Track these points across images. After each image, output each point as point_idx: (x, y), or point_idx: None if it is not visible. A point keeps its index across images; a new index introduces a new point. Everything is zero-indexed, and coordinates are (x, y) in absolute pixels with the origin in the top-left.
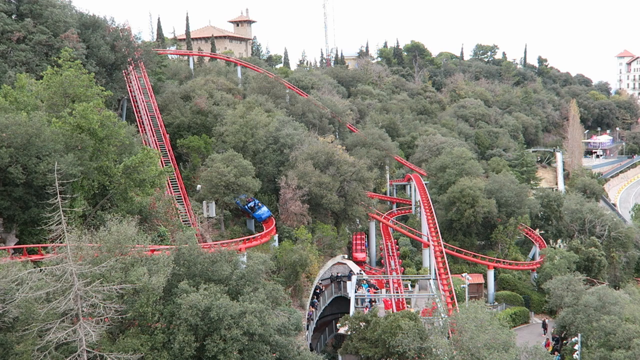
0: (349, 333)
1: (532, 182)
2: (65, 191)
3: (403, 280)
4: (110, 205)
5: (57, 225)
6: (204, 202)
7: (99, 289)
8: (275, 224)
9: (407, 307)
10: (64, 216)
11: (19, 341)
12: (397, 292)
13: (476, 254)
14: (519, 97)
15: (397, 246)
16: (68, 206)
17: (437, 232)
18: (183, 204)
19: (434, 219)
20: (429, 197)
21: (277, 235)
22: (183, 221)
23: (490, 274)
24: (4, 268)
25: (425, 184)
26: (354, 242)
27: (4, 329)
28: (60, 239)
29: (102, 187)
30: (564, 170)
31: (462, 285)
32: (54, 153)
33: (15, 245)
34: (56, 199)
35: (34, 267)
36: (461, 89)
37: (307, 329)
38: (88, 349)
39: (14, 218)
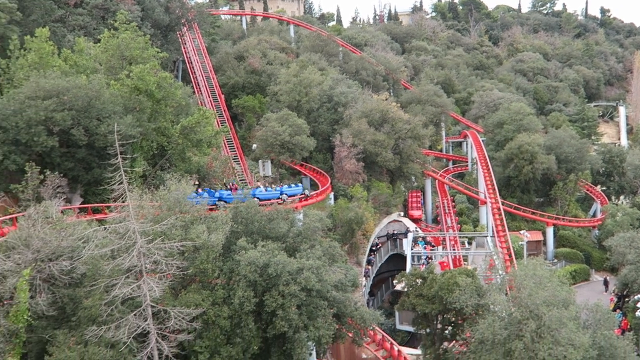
0: (405, 290)
1: (593, 137)
2: (125, 152)
3: (460, 237)
4: (169, 165)
5: (118, 185)
6: (260, 161)
7: (160, 246)
8: (331, 182)
9: (464, 264)
10: (125, 176)
11: (87, 296)
12: (454, 250)
13: (535, 210)
14: (579, 50)
15: (453, 204)
16: (129, 166)
17: (495, 189)
18: (239, 163)
19: (491, 176)
20: (486, 154)
21: (332, 193)
22: (240, 180)
23: (550, 231)
24: (71, 226)
25: (482, 140)
26: (410, 199)
27: (73, 285)
28: (122, 199)
29: (160, 148)
30: (627, 124)
31: (520, 243)
32: (114, 115)
33: (80, 204)
34: (117, 159)
35: (99, 226)
36: (519, 43)
37: (364, 285)
38: (152, 304)
39: (78, 178)
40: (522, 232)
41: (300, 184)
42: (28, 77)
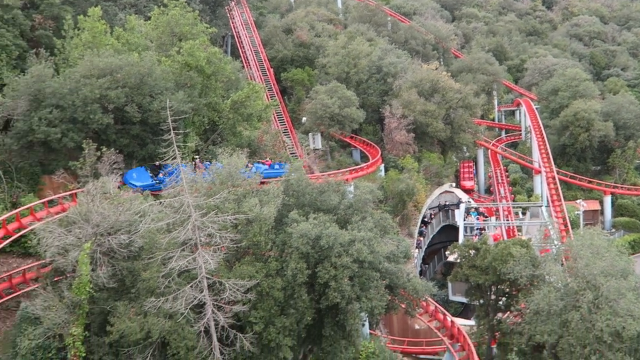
0: (458, 261)
1: None
2: (178, 127)
3: (513, 207)
4: (221, 139)
5: (172, 160)
6: (310, 134)
7: (214, 220)
8: (381, 154)
9: (518, 235)
10: (178, 151)
11: (145, 269)
12: (508, 220)
13: (591, 179)
14: (639, 12)
15: (506, 173)
16: (181, 142)
17: (549, 158)
18: (289, 137)
19: (545, 144)
20: (540, 122)
21: (383, 165)
22: (290, 153)
23: (607, 200)
24: (128, 201)
25: (536, 108)
26: (462, 170)
27: (132, 258)
28: (176, 173)
29: (212, 123)
30: None
31: (576, 212)
32: (166, 91)
33: None
34: (170, 135)
35: (154, 200)
36: (574, 6)
37: (416, 257)
38: (207, 276)
39: (133, 154)
40: (578, 201)
41: (283, 163)
42: (82, 56)
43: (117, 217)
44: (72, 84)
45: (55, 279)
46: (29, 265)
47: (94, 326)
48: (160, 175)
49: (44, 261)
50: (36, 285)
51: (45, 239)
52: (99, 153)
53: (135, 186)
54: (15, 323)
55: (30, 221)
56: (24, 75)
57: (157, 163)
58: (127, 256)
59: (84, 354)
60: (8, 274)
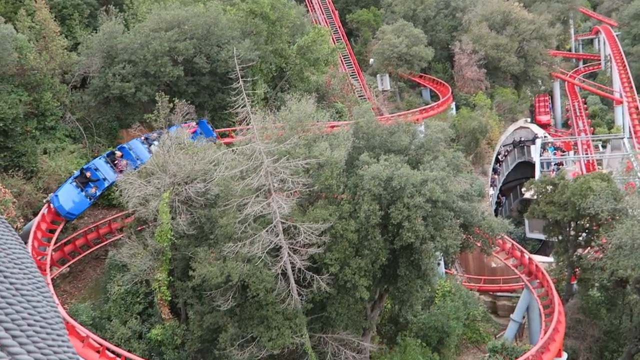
0: (535, 197)
1: None
2: (246, 75)
3: (593, 141)
4: (289, 86)
5: (242, 108)
6: (378, 75)
7: (286, 165)
8: (452, 92)
9: (598, 168)
10: (248, 99)
11: (222, 215)
12: (587, 154)
13: None
14: None
15: (585, 106)
16: (250, 89)
17: (632, 87)
18: (357, 80)
19: (627, 73)
20: (621, 50)
21: (454, 103)
22: (359, 96)
23: None
24: (202, 151)
25: (617, 35)
26: (537, 104)
27: (208, 205)
28: (247, 121)
29: (279, 69)
30: None
31: None
32: (232, 40)
33: None
34: (239, 83)
35: (227, 149)
36: None
37: (491, 195)
38: (282, 220)
39: (204, 105)
40: None
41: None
42: (150, 11)
43: (193, 166)
44: (142, 38)
45: (139, 228)
46: (114, 216)
47: (177, 271)
48: (92, 191)
49: (127, 211)
50: (121, 235)
51: (127, 191)
52: (171, 105)
53: (72, 215)
54: (105, 270)
55: None
56: (96, 32)
57: (86, 173)
58: (204, 204)
59: (169, 298)
60: (95, 224)
